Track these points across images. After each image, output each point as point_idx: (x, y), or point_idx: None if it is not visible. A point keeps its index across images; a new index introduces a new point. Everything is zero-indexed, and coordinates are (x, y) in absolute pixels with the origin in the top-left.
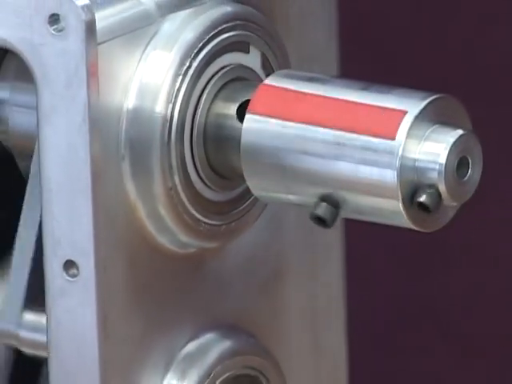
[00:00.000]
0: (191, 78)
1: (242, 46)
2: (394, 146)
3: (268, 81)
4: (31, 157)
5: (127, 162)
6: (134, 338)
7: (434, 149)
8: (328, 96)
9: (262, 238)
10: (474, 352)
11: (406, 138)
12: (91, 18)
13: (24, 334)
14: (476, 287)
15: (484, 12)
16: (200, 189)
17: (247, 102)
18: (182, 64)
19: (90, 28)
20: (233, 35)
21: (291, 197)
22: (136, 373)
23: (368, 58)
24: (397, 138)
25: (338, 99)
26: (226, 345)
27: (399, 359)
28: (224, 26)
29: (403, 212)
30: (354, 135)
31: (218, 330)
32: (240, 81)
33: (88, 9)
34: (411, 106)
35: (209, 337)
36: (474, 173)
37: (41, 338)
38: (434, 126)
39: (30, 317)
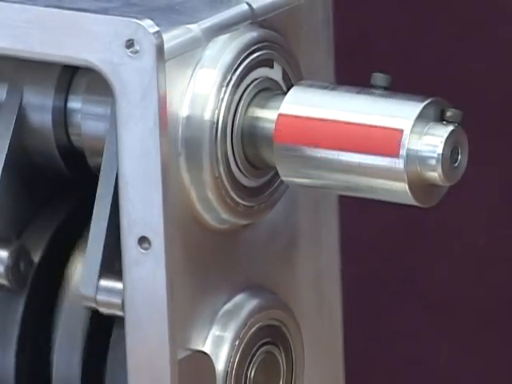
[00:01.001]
0: (231, 89)
1: (267, 63)
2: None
3: (285, 110)
4: (100, 154)
5: (183, 157)
6: (189, 298)
7: (432, 142)
8: (340, 120)
9: (281, 214)
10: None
11: (410, 133)
12: (160, 42)
13: (101, 297)
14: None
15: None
16: (238, 177)
17: None
18: (224, 79)
19: (160, 50)
20: (261, 54)
21: (314, 183)
22: (190, 325)
23: (358, 71)
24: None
25: (349, 122)
26: (255, 302)
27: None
28: (254, 47)
29: (409, 192)
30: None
31: (249, 290)
32: (267, 90)
33: (158, 35)
34: (410, 110)
35: (242, 296)
36: (462, 159)
37: (115, 300)
38: (430, 124)
39: (105, 283)
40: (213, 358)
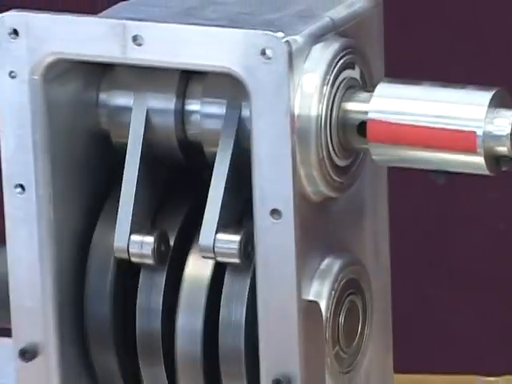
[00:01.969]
0: (329, 89)
1: (350, 65)
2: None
3: (374, 115)
4: (215, 145)
5: (296, 143)
6: (303, 258)
7: (502, 123)
8: (424, 113)
9: (354, 188)
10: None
11: (485, 118)
12: (290, 50)
13: (218, 248)
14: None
15: None
16: (334, 158)
17: (363, 122)
18: (323, 80)
19: (290, 56)
20: (347, 58)
21: (402, 162)
22: (303, 281)
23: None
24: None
25: (430, 114)
26: (341, 260)
27: None
28: (342, 53)
29: (484, 164)
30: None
31: (335, 251)
32: (352, 88)
33: (288, 44)
34: (481, 100)
35: (332, 256)
36: None
37: (231, 250)
38: (497, 109)
39: (222, 236)
40: None
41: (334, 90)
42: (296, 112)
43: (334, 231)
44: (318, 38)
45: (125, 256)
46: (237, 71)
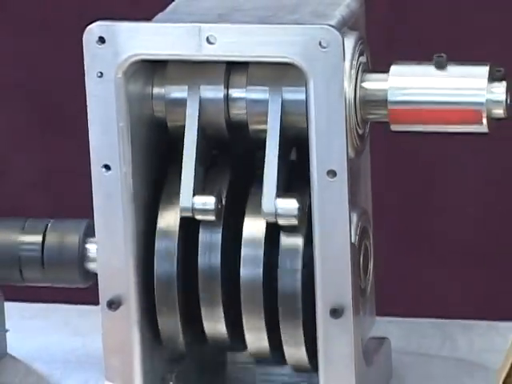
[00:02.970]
0: (355, 71)
1: (363, 53)
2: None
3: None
4: (260, 123)
5: None
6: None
7: (498, 90)
8: (434, 98)
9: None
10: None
11: (486, 87)
12: (342, 40)
13: (279, 213)
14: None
15: None
16: (357, 128)
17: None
18: (351, 64)
19: (343, 46)
20: (361, 47)
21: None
22: None
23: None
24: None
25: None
26: (358, 211)
27: None
28: (358, 42)
29: (485, 123)
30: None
31: (354, 204)
32: (366, 70)
33: (341, 35)
34: (481, 73)
35: (354, 208)
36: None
37: (291, 213)
38: (491, 80)
39: (281, 201)
40: None
41: (356, 73)
42: None
43: (352, 187)
44: (340, 31)
45: (189, 214)
46: (298, 60)
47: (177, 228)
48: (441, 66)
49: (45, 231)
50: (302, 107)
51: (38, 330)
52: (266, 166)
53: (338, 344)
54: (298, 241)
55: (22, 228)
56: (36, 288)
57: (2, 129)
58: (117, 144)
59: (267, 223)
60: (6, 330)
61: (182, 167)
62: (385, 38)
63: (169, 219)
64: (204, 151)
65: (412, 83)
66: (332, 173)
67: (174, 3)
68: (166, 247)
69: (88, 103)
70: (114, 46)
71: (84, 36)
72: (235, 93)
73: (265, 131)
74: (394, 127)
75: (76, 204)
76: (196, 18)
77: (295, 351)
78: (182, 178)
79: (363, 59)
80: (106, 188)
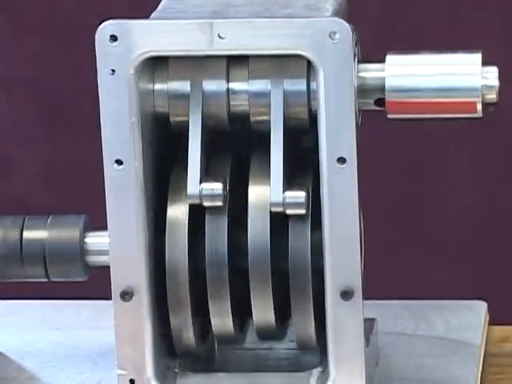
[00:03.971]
0: (356, 62)
1: (356, 43)
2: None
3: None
4: (261, 114)
5: None
6: None
7: (491, 76)
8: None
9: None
10: None
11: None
12: (352, 32)
13: (287, 203)
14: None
15: None
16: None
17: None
18: (355, 56)
19: (353, 37)
20: (355, 38)
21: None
22: None
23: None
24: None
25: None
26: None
27: None
28: (353, 34)
29: (480, 109)
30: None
31: None
32: (359, 61)
33: (351, 28)
34: (473, 60)
35: None
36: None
37: (299, 202)
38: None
39: (288, 192)
40: None
41: (355, 63)
42: None
43: None
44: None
45: (197, 201)
46: (308, 52)
47: (186, 217)
48: None
49: (45, 227)
50: (304, 98)
51: (16, 326)
52: (271, 156)
53: (348, 325)
54: (305, 223)
55: (22, 225)
56: (4, 284)
57: (7, 125)
58: (129, 139)
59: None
60: None
61: (185, 159)
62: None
63: (177, 210)
64: (206, 142)
65: (408, 71)
66: (342, 160)
67: (162, 2)
68: (176, 236)
69: (100, 100)
70: (126, 44)
71: (96, 35)
72: (237, 86)
73: (265, 122)
74: (391, 115)
75: (76, 199)
76: (189, 16)
77: (304, 328)
78: (189, 167)
79: (356, 50)
80: (118, 182)
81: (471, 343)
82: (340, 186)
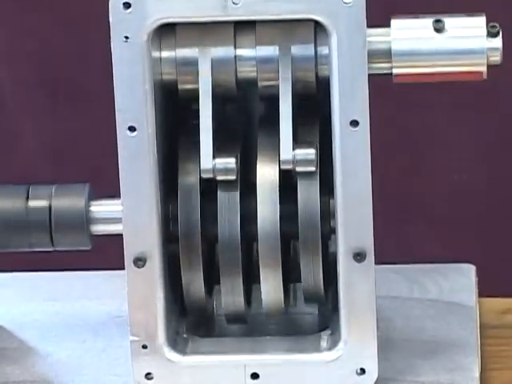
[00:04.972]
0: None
1: None
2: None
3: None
4: (267, 79)
5: None
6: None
7: (496, 41)
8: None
9: None
10: None
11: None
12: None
13: (297, 159)
14: None
15: None
16: None
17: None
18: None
19: (366, 1)
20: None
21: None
22: None
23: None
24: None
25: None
26: None
27: None
28: None
29: (485, 71)
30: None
31: None
32: None
33: None
34: (480, 24)
35: None
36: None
37: (309, 159)
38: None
39: (299, 151)
40: None
41: None
42: None
43: None
44: None
45: (210, 175)
46: (321, 17)
47: (198, 185)
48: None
49: (50, 196)
50: (312, 64)
51: (9, 298)
52: (280, 116)
53: (360, 287)
54: (314, 181)
55: (27, 195)
56: None
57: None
58: (142, 106)
59: (281, 171)
60: None
61: (194, 127)
62: None
63: (188, 179)
64: (214, 110)
65: (414, 34)
66: (355, 123)
67: None
68: (190, 203)
69: (114, 67)
70: (140, 11)
71: (110, 2)
72: (245, 52)
73: (273, 87)
74: (398, 79)
75: (78, 171)
76: None
77: (313, 288)
78: (201, 140)
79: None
80: (131, 149)
81: (466, 305)
82: (353, 148)
